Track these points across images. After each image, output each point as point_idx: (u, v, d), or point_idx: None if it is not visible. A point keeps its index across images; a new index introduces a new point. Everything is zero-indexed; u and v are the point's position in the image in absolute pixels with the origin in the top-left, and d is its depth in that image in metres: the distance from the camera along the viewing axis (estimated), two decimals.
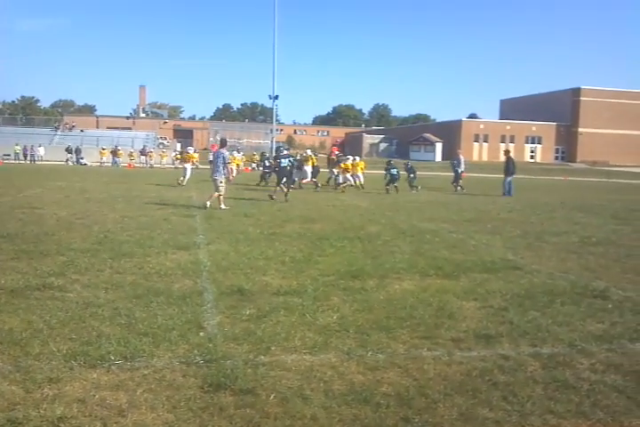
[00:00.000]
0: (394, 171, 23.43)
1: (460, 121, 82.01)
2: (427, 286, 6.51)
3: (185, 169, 24.93)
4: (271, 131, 66.02)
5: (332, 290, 6.19)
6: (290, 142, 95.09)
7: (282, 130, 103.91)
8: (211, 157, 24.74)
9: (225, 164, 15.32)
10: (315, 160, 25.30)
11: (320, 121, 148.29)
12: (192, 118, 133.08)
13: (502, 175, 24.38)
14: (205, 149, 56.65)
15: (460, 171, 26.84)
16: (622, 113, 78.80)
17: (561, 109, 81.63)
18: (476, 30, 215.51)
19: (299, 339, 4.61)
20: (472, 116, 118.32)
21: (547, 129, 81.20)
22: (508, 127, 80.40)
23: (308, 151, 26.76)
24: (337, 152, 29.90)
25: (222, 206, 14.37)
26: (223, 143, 16.17)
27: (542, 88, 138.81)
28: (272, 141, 63.61)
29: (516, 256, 8.78)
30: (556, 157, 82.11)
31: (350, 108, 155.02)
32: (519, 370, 4.12)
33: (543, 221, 14.06)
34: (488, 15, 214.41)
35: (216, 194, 14.69)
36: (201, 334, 4.67)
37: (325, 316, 5.25)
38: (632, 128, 79.25)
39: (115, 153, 47.45)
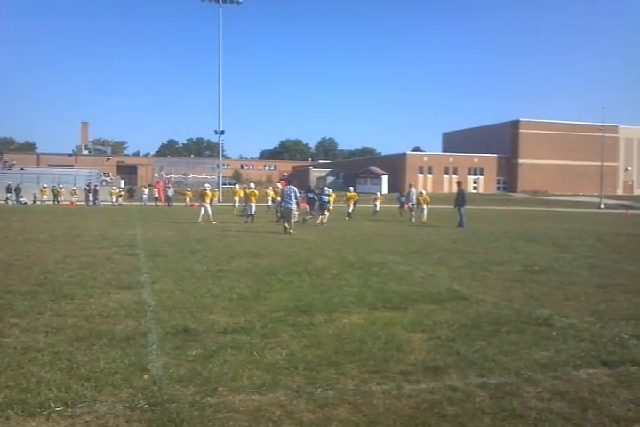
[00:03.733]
0: (324, 197, 24.13)
1: (405, 154, 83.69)
2: (375, 319, 6.51)
3: (204, 208, 24.95)
4: (218, 166, 65.94)
5: (281, 326, 6.13)
6: (237, 177, 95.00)
7: (228, 165, 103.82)
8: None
9: (297, 197, 19.65)
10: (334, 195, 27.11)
11: (267, 155, 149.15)
12: (136, 154, 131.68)
13: (451, 206, 24.85)
14: (150, 185, 55.86)
15: (412, 203, 27.62)
16: (560, 144, 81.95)
17: (501, 141, 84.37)
18: (417, 65, 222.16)
19: (246, 378, 4.53)
20: (416, 149, 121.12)
21: (488, 161, 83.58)
22: (451, 159, 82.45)
23: (252, 185, 27.31)
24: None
25: (292, 231, 18.51)
26: (290, 181, 21.80)
27: (483, 121, 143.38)
28: (218, 176, 63.52)
29: (461, 286, 8.90)
30: (498, 188, 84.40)
31: (297, 142, 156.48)
32: (467, 401, 4.14)
33: (487, 250, 14.34)
34: (428, 50, 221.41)
35: (291, 221, 18.84)
36: (145, 376, 4.53)
37: (274, 353, 5.17)
38: (569, 158, 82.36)
39: (56, 191, 46.53)
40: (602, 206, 59.52)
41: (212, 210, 25.08)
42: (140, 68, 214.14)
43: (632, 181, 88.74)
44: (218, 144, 67.07)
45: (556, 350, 5.41)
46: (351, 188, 33.51)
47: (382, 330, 6.02)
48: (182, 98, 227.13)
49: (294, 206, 19.22)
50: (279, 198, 23.83)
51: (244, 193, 27.31)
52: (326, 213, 24.10)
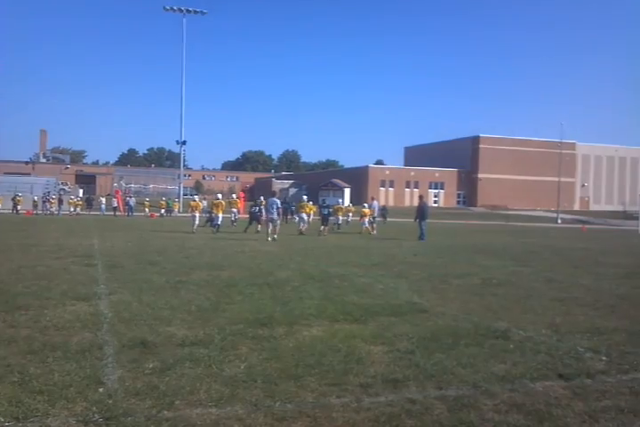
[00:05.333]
0: (325, 210, 25.79)
1: (367, 167, 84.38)
2: (335, 332, 6.50)
3: (194, 217, 25.75)
4: (179, 176, 65.39)
5: (240, 339, 6.07)
6: (198, 188, 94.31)
7: (190, 175, 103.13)
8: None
9: (279, 208, 22.08)
10: (313, 208, 28.21)
11: (229, 166, 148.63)
12: (96, 163, 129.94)
13: (412, 219, 25.07)
14: (109, 194, 55.04)
15: (373, 216, 28.00)
16: (518, 159, 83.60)
17: (462, 156, 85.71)
18: (380, 79, 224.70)
19: (204, 391, 4.46)
20: (378, 162, 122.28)
21: (449, 175, 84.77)
22: (413, 173, 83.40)
23: (219, 196, 27.56)
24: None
25: (275, 237, 20.69)
26: (274, 194, 23.06)
27: (445, 136, 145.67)
28: (180, 187, 62.94)
29: (421, 299, 8.95)
30: (458, 202, 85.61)
31: (260, 153, 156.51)
32: (426, 414, 4.14)
33: (447, 263, 14.48)
34: (392, 63, 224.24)
35: (273, 228, 20.99)
36: (100, 390, 4.42)
37: (232, 366, 5.11)
38: (527, 174, 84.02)
39: (15, 200, 45.47)
40: (559, 221, 60.72)
41: (178, 220, 25.22)
42: (101, 77, 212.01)
43: (588, 197, 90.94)
44: (179, 154, 66.40)
45: (514, 363, 5.47)
46: (305, 197, 33.01)
47: (342, 343, 6.00)
48: (144, 107, 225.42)
49: (276, 216, 21.76)
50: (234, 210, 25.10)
51: (212, 203, 27.66)
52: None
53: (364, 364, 5.29)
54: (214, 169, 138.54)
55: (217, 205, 25.75)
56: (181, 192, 63.29)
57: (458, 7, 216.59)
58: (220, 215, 25.58)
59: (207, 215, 29.11)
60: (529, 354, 5.82)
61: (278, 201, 22.70)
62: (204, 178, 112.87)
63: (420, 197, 26.66)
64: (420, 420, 4.02)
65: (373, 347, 5.90)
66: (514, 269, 13.69)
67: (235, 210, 31.06)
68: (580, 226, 51.08)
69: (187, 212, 30.59)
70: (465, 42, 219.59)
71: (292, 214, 34.37)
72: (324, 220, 26.13)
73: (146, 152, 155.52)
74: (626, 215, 68.92)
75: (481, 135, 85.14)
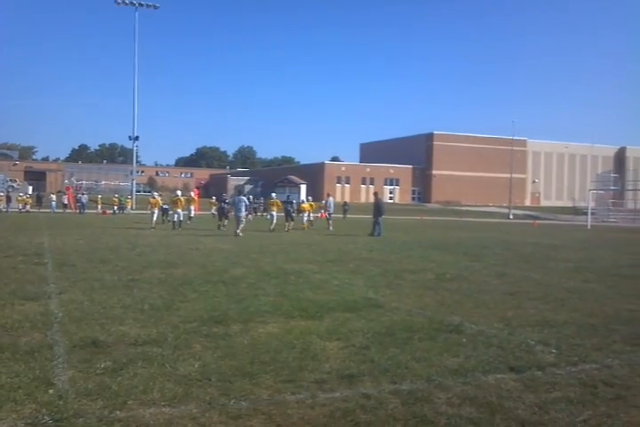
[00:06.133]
0: (289, 207, 26.64)
1: (323, 163, 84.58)
2: (291, 329, 6.49)
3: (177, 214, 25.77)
4: (131, 172, 64.36)
5: (194, 337, 6.00)
6: (151, 184, 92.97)
7: (143, 172, 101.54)
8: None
9: (246, 206, 23.13)
10: (280, 204, 27.36)
11: (183, 162, 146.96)
12: (46, 160, 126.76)
13: (369, 216, 25.26)
14: (60, 191, 53.80)
15: (329, 212, 28.06)
16: (471, 156, 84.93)
17: (416, 153, 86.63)
18: (335, 75, 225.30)
19: (157, 391, 4.39)
20: (334, 158, 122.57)
21: (404, 171, 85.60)
22: (368, 170, 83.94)
23: (178, 193, 27.64)
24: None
25: (241, 234, 21.39)
26: (240, 192, 22.76)
27: (400, 132, 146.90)
28: (132, 183, 61.95)
29: (377, 294, 9.02)
30: (413, 198, 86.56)
31: (214, 149, 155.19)
32: (380, 408, 4.17)
33: (402, 259, 14.63)
34: (346, 62, 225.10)
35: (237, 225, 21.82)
36: (50, 391, 4.32)
37: (186, 365, 5.05)
38: (480, 170, 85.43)
39: None
40: (511, 217, 62.02)
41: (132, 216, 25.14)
42: (51, 71, 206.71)
43: (539, 193, 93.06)
44: (132, 150, 65.35)
45: (466, 357, 5.56)
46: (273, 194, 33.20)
47: (298, 339, 6.00)
48: (96, 102, 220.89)
49: (243, 214, 22.69)
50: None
51: (171, 200, 27.89)
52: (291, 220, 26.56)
53: (319, 360, 5.29)
54: (168, 165, 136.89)
55: (176, 202, 26.14)
56: (134, 189, 62.27)
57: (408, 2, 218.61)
58: (180, 212, 25.86)
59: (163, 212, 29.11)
60: (481, 347, 5.92)
61: (245, 199, 23.59)
62: (157, 174, 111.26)
63: (375, 194, 26.89)
64: (374, 414, 4.05)
65: (329, 343, 5.92)
66: (467, 264, 13.91)
67: (192, 207, 31.22)
68: (531, 221, 52.30)
69: (146, 209, 30.69)
70: (420, 39, 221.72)
71: (258, 212, 34.34)
72: (289, 216, 26.54)
73: (97, 148, 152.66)
74: (575, 211, 70.89)
75: (435, 132, 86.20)
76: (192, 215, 31.04)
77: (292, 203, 28.13)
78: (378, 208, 24.62)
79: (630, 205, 64.82)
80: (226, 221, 26.03)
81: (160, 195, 29.53)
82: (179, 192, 28.70)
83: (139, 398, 4.25)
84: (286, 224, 26.14)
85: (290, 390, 4.48)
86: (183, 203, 27.08)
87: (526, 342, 6.20)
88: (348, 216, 42.44)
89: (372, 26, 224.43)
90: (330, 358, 5.39)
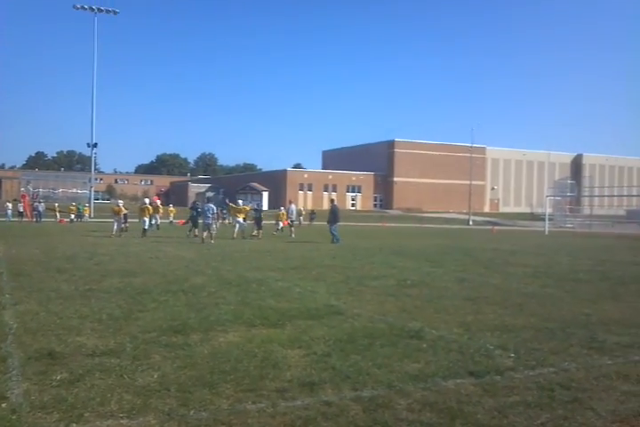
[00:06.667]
0: (258, 214, 26.76)
1: (286, 171, 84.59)
2: (252, 337, 6.45)
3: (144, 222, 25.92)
4: (89, 180, 63.34)
5: (153, 347, 5.91)
6: (110, 192, 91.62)
7: (101, 179, 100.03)
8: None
9: (214, 213, 23.64)
10: (247, 212, 27.45)
11: (143, 170, 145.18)
12: (1, 167, 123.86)
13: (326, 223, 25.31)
14: (15, 199, 52.56)
15: (291, 219, 28.04)
16: (432, 163, 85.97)
17: (378, 160, 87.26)
18: (296, 82, 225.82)
19: (115, 402, 4.31)
20: (297, 166, 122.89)
21: (365, 178, 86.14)
22: (330, 177, 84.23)
23: (146, 200, 28.07)
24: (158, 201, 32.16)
25: (212, 241, 21.81)
26: (210, 200, 24.67)
27: (362, 139, 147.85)
28: (90, 191, 60.92)
29: (338, 301, 9.03)
30: (375, 205, 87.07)
31: (175, 156, 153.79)
32: (341, 415, 4.17)
33: (364, 266, 14.68)
34: (305, 68, 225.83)
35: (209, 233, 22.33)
36: (3, 405, 4.20)
37: (145, 375, 4.97)
38: (441, 177, 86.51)
39: None
40: (470, 223, 62.83)
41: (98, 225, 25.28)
42: (8, 77, 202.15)
43: (498, 199, 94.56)
44: (90, 157, 64.28)
45: (427, 362, 5.60)
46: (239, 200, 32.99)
47: (259, 348, 5.97)
48: (53, 108, 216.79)
49: (211, 221, 23.08)
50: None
51: (139, 208, 27.94)
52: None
53: (280, 368, 5.27)
54: (128, 173, 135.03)
55: (143, 210, 26.45)
56: (92, 196, 61.22)
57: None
58: (147, 220, 26.24)
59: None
60: (441, 353, 5.97)
61: (214, 206, 23.99)
62: (116, 182, 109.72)
63: (331, 201, 27.07)
64: (335, 422, 4.04)
65: (290, 351, 5.89)
66: (428, 270, 14.04)
67: (157, 215, 31.62)
68: (490, 227, 53.03)
69: (104, 217, 30.41)
70: (380, 44, 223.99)
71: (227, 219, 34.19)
72: (258, 224, 26.74)
73: (55, 155, 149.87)
74: (533, 217, 72.25)
75: (396, 139, 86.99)
76: (158, 223, 31.34)
77: (261, 211, 28.20)
78: (334, 215, 24.75)
79: (586, 211, 66.13)
80: (196, 230, 25.80)
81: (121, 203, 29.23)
82: (147, 200, 28.99)
83: (96, 410, 4.17)
84: (255, 232, 26.29)
85: (251, 400, 4.45)
86: (151, 211, 27.45)
87: (485, 346, 6.27)
88: (314, 223, 42.46)
89: (334, 29, 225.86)
90: (291, 366, 5.36)
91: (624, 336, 6.94)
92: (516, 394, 4.73)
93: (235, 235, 25.36)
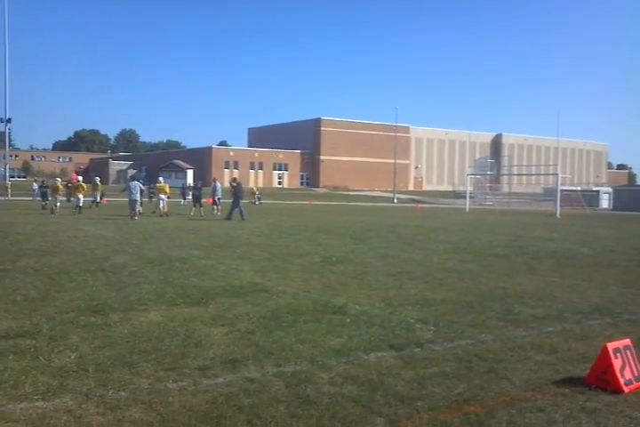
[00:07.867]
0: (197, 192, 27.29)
1: (211, 148, 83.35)
2: (174, 316, 6.36)
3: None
4: (4, 157, 60.57)
5: (71, 328, 5.75)
6: (27, 169, 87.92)
7: (17, 156, 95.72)
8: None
9: (141, 190, 24.45)
10: (168, 188, 27.28)
11: (61, 146, 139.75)
12: None
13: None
14: None
15: (217, 197, 27.80)
16: (358, 142, 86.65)
17: (305, 138, 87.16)
18: (224, 59, 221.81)
19: (30, 384, 4.17)
20: (222, 143, 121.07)
21: (292, 156, 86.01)
22: (257, 155, 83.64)
23: (80, 178, 28.59)
24: (80, 178, 31.69)
25: (136, 218, 22.55)
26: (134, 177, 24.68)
27: (289, 117, 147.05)
28: (5, 168, 58.27)
29: (263, 279, 9.02)
30: (302, 183, 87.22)
31: (94, 133, 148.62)
32: (264, 391, 4.18)
33: (289, 243, 14.72)
34: (236, 47, 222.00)
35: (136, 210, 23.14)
36: None
37: (62, 356, 4.83)
38: (366, 156, 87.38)
39: None
40: (395, 201, 63.94)
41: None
42: None
43: (421, 178, 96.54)
44: (4, 133, 61.25)
45: (349, 336, 5.69)
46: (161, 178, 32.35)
47: (181, 326, 5.90)
48: None
49: (138, 198, 23.67)
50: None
51: (74, 187, 28.90)
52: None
53: (202, 346, 5.23)
54: (44, 149, 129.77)
55: (78, 188, 27.28)
56: (7, 174, 58.49)
57: None
58: (81, 197, 26.74)
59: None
60: (363, 327, 6.07)
61: (140, 184, 25.05)
62: (32, 158, 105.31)
63: (234, 179, 27.18)
64: (257, 398, 4.05)
65: (213, 329, 5.86)
66: (352, 246, 14.22)
67: (97, 193, 31.63)
68: (414, 205, 54.17)
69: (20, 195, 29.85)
70: (311, 26, 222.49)
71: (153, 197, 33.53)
72: (197, 201, 27.10)
73: None
74: (455, 195, 74.33)
75: (322, 118, 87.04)
76: (99, 201, 31.41)
77: (201, 189, 28.26)
78: (237, 193, 25.06)
79: (505, 189, 68.49)
80: (201, 209, 26.49)
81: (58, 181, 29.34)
82: (80, 178, 30.74)
83: (9, 393, 4.03)
84: (194, 209, 26.80)
85: (171, 378, 4.40)
86: (86, 189, 28.12)
87: (406, 320, 6.43)
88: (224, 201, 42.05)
89: (261, 12, 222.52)
90: (214, 344, 5.34)
91: (538, 309, 7.27)
92: (435, 365, 4.88)
93: (157, 211, 25.88)
